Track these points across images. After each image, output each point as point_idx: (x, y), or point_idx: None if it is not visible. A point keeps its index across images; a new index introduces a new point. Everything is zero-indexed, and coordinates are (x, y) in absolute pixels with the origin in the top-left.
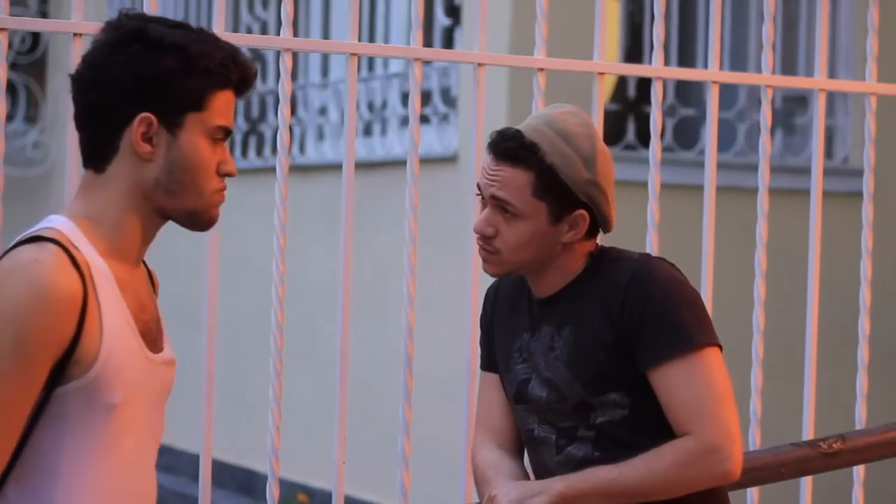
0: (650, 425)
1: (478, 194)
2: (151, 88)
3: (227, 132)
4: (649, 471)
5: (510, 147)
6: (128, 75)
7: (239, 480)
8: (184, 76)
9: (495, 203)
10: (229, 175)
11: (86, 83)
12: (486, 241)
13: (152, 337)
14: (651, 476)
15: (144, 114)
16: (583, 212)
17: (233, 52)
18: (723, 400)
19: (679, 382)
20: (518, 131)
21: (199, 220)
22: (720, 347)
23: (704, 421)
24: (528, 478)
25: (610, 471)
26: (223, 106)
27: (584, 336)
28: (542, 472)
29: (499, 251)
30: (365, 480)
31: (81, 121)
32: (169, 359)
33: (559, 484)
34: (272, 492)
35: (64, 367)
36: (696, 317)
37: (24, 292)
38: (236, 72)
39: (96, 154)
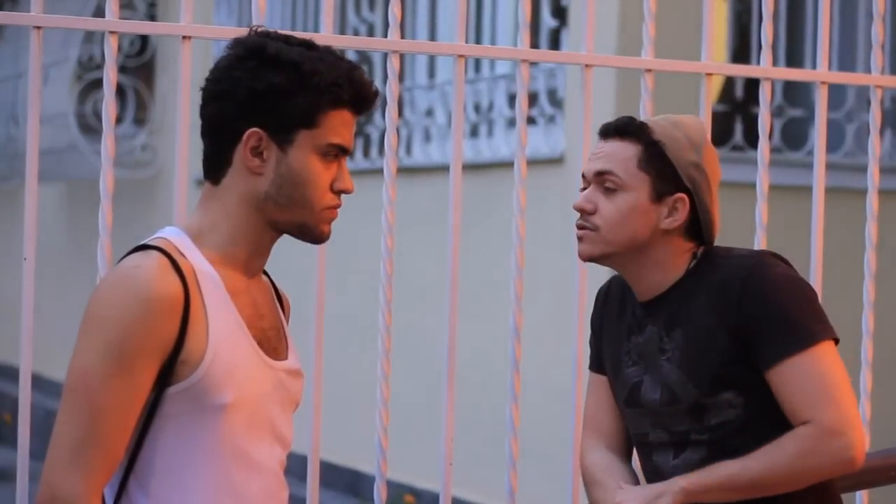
0: (764, 425)
1: (582, 188)
2: (262, 104)
3: (342, 150)
4: (772, 462)
5: (621, 123)
6: (242, 90)
7: (346, 481)
8: (295, 93)
9: (598, 180)
10: (344, 192)
11: (207, 96)
12: (585, 218)
13: (271, 345)
14: (774, 467)
15: (254, 129)
16: (683, 196)
17: (349, 70)
18: (840, 387)
19: (797, 375)
20: (631, 116)
21: (310, 233)
22: (836, 340)
23: (823, 407)
24: (637, 481)
25: (732, 465)
26: (338, 124)
27: (697, 336)
28: (655, 477)
29: (597, 227)
30: (472, 482)
31: (203, 133)
32: (293, 369)
33: (682, 481)
34: (380, 493)
35: (172, 368)
36: (813, 313)
37: (123, 296)
38: (349, 90)
39: (213, 166)
